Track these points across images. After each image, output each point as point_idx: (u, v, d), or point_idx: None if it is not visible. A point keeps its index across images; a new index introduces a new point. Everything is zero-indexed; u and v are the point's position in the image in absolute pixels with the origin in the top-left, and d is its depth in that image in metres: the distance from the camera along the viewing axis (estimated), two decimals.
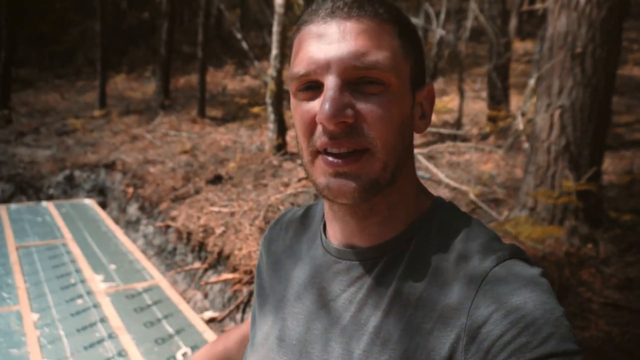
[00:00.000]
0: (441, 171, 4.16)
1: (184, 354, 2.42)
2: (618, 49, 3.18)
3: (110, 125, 7.69)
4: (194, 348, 2.45)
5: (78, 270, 3.21)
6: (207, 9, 8.06)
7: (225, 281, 3.06)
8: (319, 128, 0.50)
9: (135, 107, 9.00)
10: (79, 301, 2.83)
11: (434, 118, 6.53)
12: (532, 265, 0.50)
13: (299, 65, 0.50)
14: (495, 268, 0.48)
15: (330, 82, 0.48)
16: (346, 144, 0.49)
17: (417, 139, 5.14)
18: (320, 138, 0.49)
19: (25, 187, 5.17)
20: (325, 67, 0.48)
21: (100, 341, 2.44)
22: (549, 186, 3.09)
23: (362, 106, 0.48)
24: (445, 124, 5.80)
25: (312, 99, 0.51)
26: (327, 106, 0.47)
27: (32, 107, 9.62)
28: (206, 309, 3.02)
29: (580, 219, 3.06)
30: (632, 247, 3.00)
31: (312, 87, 0.51)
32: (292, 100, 0.53)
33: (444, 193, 3.84)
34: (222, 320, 2.86)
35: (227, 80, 10.70)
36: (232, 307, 2.88)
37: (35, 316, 2.62)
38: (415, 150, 4.69)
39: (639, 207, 3.54)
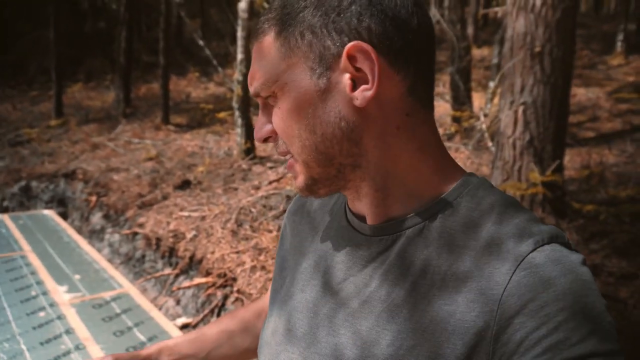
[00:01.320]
0: None
1: None
2: (573, 49, 3.35)
3: (68, 135, 7.38)
4: None
5: (39, 282, 3.04)
6: (168, 16, 7.92)
7: (198, 285, 2.97)
8: None
9: (95, 116, 8.68)
10: (41, 314, 2.67)
11: None
12: (572, 251, 0.46)
13: None
14: (533, 253, 0.44)
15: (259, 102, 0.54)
16: (279, 151, 0.54)
17: None
18: None
19: None
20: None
21: (66, 353, 2.30)
22: (516, 180, 3.19)
23: (272, 120, 0.52)
24: None
25: None
26: (255, 127, 0.56)
27: None
28: (179, 315, 2.93)
29: (546, 210, 3.17)
30: (595, 235, 3.14)
31: None
32: None
33: None
34: (195, 325, 2.77)
35: (190, 88, 10.53)
36: (206, 311, 2.80)
37: None
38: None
39: (598, 199, 3.71)
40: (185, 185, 4.30)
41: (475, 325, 0.43)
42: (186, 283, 3.07)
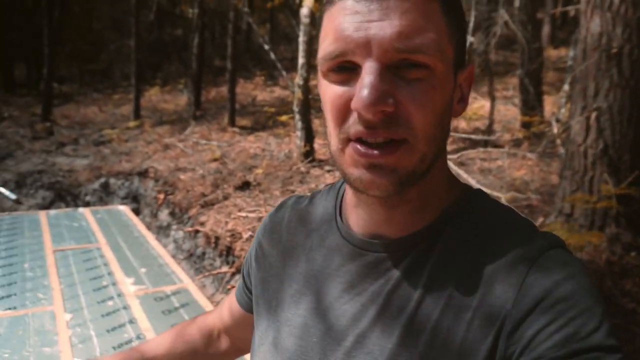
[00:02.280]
0: (472, 177, 4.06)
1: None
2: None
3: (144, 135, 7.93)
4: None
5: (110, 273, 3.29)
6: (236, 24, 8.25)
7: None
8: (354, 115, 0.45)
9: (168, 118, 9.26)
10: (110, 303, 2.89)
11: (464, 124, 6.43)
12: (572, 254, 0.49)
13: (334, 44, 0.45)
14: (540, 259, 0.46)
15: (370, 65, 0.43)
16: (383, 134, 0.44)
17: (448, 145, 5.05)
18: (354, 126, 0.45)
19: (64, 195, 5.37)
20: (365, 47, 0.43)
21: (129, 342, 2.47)
22: (587, 191, 2.96)
23: (404, 93, 0.44)
24: (476, 130, 5.68)
25: (346, 81, 0.46)
26: (365, 93, 0.42)
27: (72, 120, 10.04)
28: None
29: (621, 225, 2.91)
30: None
31: (346, 68, 0.45)
32: (322, 81, 0.48)
33: None
34: None
35: (256, 91, 10.89)
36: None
37: (68, 316, 2.69)
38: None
39: None
40: (245, 186, 4.45)
41: (491, 331, 0.45)
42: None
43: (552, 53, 10.03)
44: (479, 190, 0.55)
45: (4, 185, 5.50)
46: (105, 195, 5.52)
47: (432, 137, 0.46)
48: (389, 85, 0.44)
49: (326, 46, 0.46)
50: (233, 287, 3.18)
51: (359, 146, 0.45)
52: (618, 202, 2.77)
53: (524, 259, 0.46)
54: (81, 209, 4.78)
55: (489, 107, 5.57)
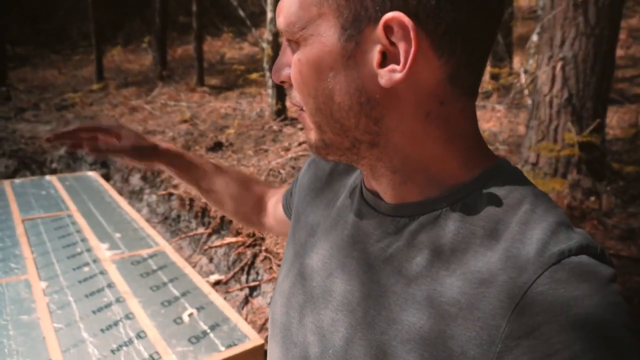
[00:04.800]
0: None
1: (190, 315, 2.48)
2: None
3: (108, 98, 7.64)
4: (199, 309, 2.51)
5: (84, 240, 3.26)
6: None
7: (229, 244, 3.10)
8: None
9: (133, 79, 8.90)
10: (86, 269, 2.88)
11: None
12: (603, 263, 0.40)
13: None
14: (555, 266, 0.38)
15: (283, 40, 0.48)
16: (293, 102, 0.49)
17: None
18: None
19: (29, 162, 5.19)
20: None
21: (108, 305, 2.49)
22: (552, 140, 3.06)
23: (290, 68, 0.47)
24: None
25: None
26: (274, 65, 0.49)
27: (30, 84, 9.55)
28: (212, 273, 3.08)
29: (583, 172, 3.04)
30: (636, 198, 2.99)
31: None
32: None
33: None
34: (227, 282, 2.91)
35: (225, 48, 10.53)
36: (236, 269, 2.93)
37: (43, 284, 2.68)
38: None
39: None
40: (217, 147, 4.40)
41: (476, 340, 0.39)
42: (218, 242, 3.20)
43: (522, 3, 9.99)
44: (513, 169, 0.47)
45: None
46: (72, 161, 5.37)
47: (317, 108, 0.45)
48: (287, 58, 0.47)
49: None
50: (211, 247, 3.21)
51: None
52: (580, 149, 2.87)
53: (535, 263, 0.39)
54: (48, 177, 4.65)
55: None
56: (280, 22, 0.46)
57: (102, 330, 2.30)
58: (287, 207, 0.76)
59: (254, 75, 6.19)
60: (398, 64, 0.41)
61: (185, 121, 5.52)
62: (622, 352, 0.34)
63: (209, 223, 3.39)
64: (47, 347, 2.12)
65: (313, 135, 0.48)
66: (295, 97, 0.48)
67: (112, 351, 2.11)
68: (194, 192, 3.69)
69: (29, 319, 2.33)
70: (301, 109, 0.48)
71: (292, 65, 0.45)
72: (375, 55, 0.41)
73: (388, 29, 0.40)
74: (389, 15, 0.39)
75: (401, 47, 0.40)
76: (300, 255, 0.58)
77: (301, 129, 4.66)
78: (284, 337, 0.56)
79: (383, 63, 0.41)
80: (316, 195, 0.62)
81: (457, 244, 0.43)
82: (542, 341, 0.36)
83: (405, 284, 0.44)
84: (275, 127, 4.72)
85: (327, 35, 0.42)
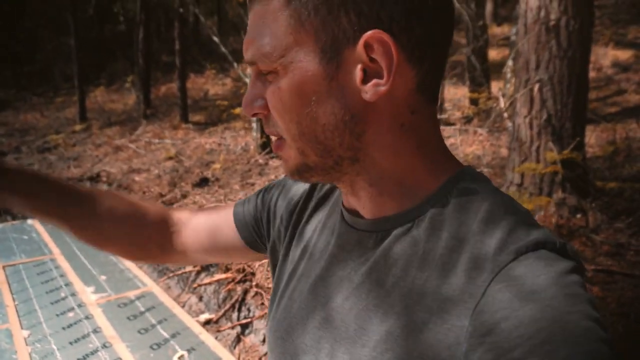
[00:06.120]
0: None
1: (181, 357, 2.39)
2: (591, 20, 3.21)
3: (92, 138, 7.60)
4: (190, 351, 2.42)
5: (68, 284, 3.16)
6: (183, 17, 8.00)
7: (219, 281, 3.03)
8: None
9: (117, 119, 8.89)
10: (70, 314, 2.78)
11: None
12: (564, 257, 0.41)
13: None
14: (512, 263, 0.39)
15: (251, 72, 0.48)
16: (270, 132, 0.49)
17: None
18: None
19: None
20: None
21: (94, 352, 2.40)
22: (534, 161, 3.10)
23: (267, 97, 0.47)
24: None
25: None
26: (244, 99, 0.49)
27: (12, 127, 9.46)
28: (202, 312, 2.99)
29: (567, 190, 3.08)
30: (621, 213, 3.03)
31: None
32: None
33: None
34: (217, 320, 2.83)
35: (208, 85, 10.64)
36: (227, 306, 2.85)
37: (25, 333, 2.57)
38: None
39: (623, 175, 3.57)
40: (203, 182, 4.37)
41: (447, 340, 0.40)
42: (207, 279, 3.13)
43: (495, 30, 10.37)
44: (477, 174, 0.49)
45: None
46: None
47: (300, 133, 0.46)
48: (259, 89, 0.47)
49: None
50: (200, 285, 3.13)
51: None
52: (563, 167, 2.92)
53: (493, 263, 0.40)
54: (30, 220, 4.54)
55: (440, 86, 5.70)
56: (251, 54, 0.46)
57: None
58: (243, 222, 0.69)
59: (238, 110, 6.24)
60: (380, 78, 0.43)
61: (170, 158, 5.49)
62: (580, 341, 0.35)
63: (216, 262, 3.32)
64: None
65: (294, 161, 0.49)
66: (273, 126, 0.48)
67: None
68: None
69: None
70: (279, 138, 0.49)
71: (271, 94, 0.46)
72: (357, 73, 0.43)
73: (368, 47, 0.42)
74: (369, 33, 0.42)
75: (383, 62, 0.42)
76: (289, 279, 0.58)
77: None
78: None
79: (365, 79, 0.43)
80: (298, 219, 0.62)
81: (427, 252, 0.44)
82: (503, 337, 0.36)
83: (385, 296, 0.45)
84: (261, 161, 4.72)
85: (307, 61, 0.44)
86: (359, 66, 0.43)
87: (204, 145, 5.97)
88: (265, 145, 5.04)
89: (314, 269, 0.55)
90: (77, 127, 8.47)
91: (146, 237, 0.70)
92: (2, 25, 13.87)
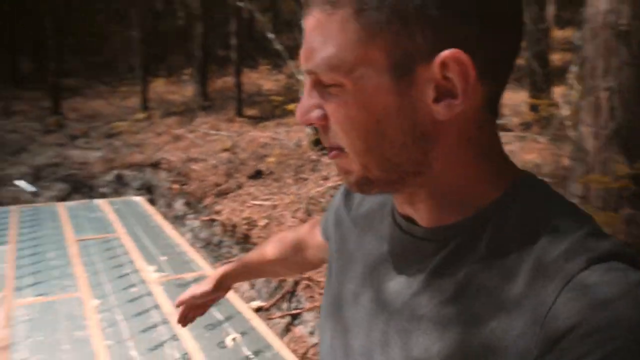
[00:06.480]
0: None
1: (234, 339, 2.51)
2: None
3: (153, 127, 8.00)
4: (243, 334, 2.54)
5: (131, 262, 3.38)
6: (238, 14, 8.24)
7: None
8: None
9: (176, 109, 9.31)
10: (133, 289, 2.98)
11: None
12: (636, 269, 0.40)
13: None
14: (584, 272, 0.39)
15: (305, 82, 0.47)
16: (326, 141, 0.47)
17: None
18: None
19: (80, 187, 5.47)
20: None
21: (154, 326, 2.56)
22: (599, 172, 2.99)
23: (327, 108, 0.45)
24: None
25: None
26: (297, 108, 0.47)
27: (81, 113, 10.12)
28: (253, 299, 3.11)
29: (637, 206, 2.94)
30: None
31: None
32: None
33: None
34: (268, 309, 2.94)
35: (262, 80, 10.89)
36: (277, 296, 2.96)
37: (96, 302, 2.78)
38: None
39: None
40: (257, 175, 4.51)
41: (515, 346, 0.40)
42: None
43: (557, 34, 9.95)
44: (539, 182, 0.48)
45: (21, 178, 5.60)
46: (119, 186, 5.61)
47: (366, 149, 0.45)
48: (317, 99, 0.46)
49: None
50: None
51: None
52: (633, 182, 2.80)
53: (563, 271, 0.40)
54: (98, 201, 4.87)
55: None
56: (313, 65, 0.44)
57: (149, 350, 2.36)
58: (325, 232, 0.76)
59: (292, 106, 6.36)
60: (452, 97, 0.42)
61: (226, 150, 5.70)
62: None
63: (250, 249, 3.45)
64: None
65: (356, 176, 0.47)
66: (332, 138, 0.46)
67: None
68: (235, 218, 3.79)
69: (81, 335, 2.42)
70: (338, 150, 0.47)
71: (335, 108, 0.44)
72: (430, 91, 0.42)
73: (444, 66, 0.41)
74: (447, 53, 0.40)
75: (458, 82, 0.41)
76: (339, 283, 0.60)
77: None
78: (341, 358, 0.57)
79: (436, 98, 0.42)
80: (354, 225, 0.62)
81: (490, 259, 0.44)
82: (574, 345, 0.36)
83: (447, 302, 0.45)
84: (313, 157, 4.82)
85: (377, 77, 0.42)
86: (432, 85, 0.42)
87: (258, 139, 6.15)
88: (317, 142, 5.13)
89: (373, 286, 0.54)
90: (140, 116, 8.95)
91: (306, 268, 0.97)
92: (76, 19, 14.85)
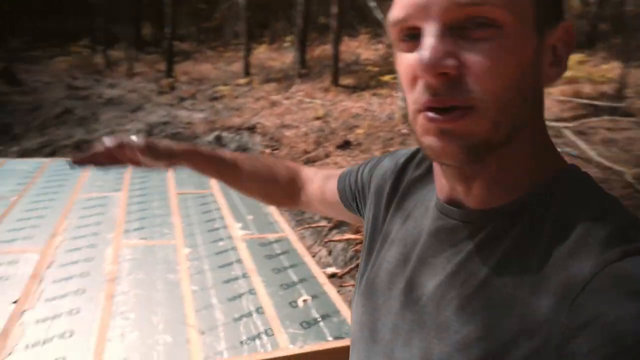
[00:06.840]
0: (592, 148, 3.69)
1: (305, 301, 2.62)
2: None
3: (252, 92, 8.36)
4: (314, 297, 2.64)
5: (221, 217, 3.64)
6: None
7: (348, 240, 3.19)
8: (421, 83, 0.43)
9: (275, 76, 9.61)
10: (221, 243, 3.22)
11: (588, 89, 5.72)
12: None
13: (396, 8, 0.43)
14: (618, 262, 0.38)
15: (430, 26, 0.41)
16: (449, 101, 0.41)
17: (566, 111, 4.60)
18: (421, 95, 0.42)
19: None
20: (424, 9, 0.41)
21: (235, 278, 2.76)
22: None
23: (468, 55, 0.40)
24: (602, 96, 5.07)
25: (414, 49, 0.43)
26: (423, 55, 0.40)
27: (191, 76, 10.89)
28: (329, 265, 3.21)
29: None
30: None
31: (413, 35, 0.43)
32: (395, 52, 0.46)
33: (593, 174, 3.41)
34: (342, 276, 3.01)
35: (361, 49, 10.76)
36: (352, 265, 3.01)
37: (187, 250, 3.07)
38: (561, 124, 4.19)
39: None
40: (346, 145, 4.54)
41: (541, 328, 0.40)
42: (338, 237, 3.32)
43: None
44: (583, 174, 0.47)
45: (137, 134, 6.26)
46: (218, 147, 6.02)
47: (505, 103, 0.41)
48: (451, 45, 0.40)
49: (391, 13, 0.44)
50: (331, 240, 3.34)
51: (428, 113, 0.43)
52: None
53: (599, 258, 0.39)
54: None
55: (621, 70, 4.90)
56: None
57: (228, 299, 2.57)
58: (344, 193, 0.74)
59: (387, 77, 6.23)
60: (558, 65, 0.45)
61: (318, 118, 5.79)
62: None
63: (331, 218, 3.53)
64: (183, 305, 2.44)
65: (478, 139, 0.43)
66: (460, 93, 0.41)
67: (234, 319, 2.34)
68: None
69: (173, 278, 2.70)
70: (465, 109, 0.42)
71: (489, 51, 0.40)
72: (549, 55, 0.44)
73: (565, 32, 0.44)
74: (567, 22, 0.44)
75: (563, 50, 0.45)
76: (378, 262, 0.59)
77: None
78: (367, 337, 0.58)
79: (552, 63, 0.45)
80: (398, 207, 0.61)
81: (526, 247, 0.44)
82: (603, 331, 0.36)
83: (479, 287, 0.45)
84: (404, 131, 4.71)
85: (528, 29, 0.42)
86: (551, 50, 0.44)
87: (350, 109, 6.14)
88: None
89: (408, 274, 0.54)
90: (241, 81, 9.39)
91: (277, 190, 0.86)
92: None
